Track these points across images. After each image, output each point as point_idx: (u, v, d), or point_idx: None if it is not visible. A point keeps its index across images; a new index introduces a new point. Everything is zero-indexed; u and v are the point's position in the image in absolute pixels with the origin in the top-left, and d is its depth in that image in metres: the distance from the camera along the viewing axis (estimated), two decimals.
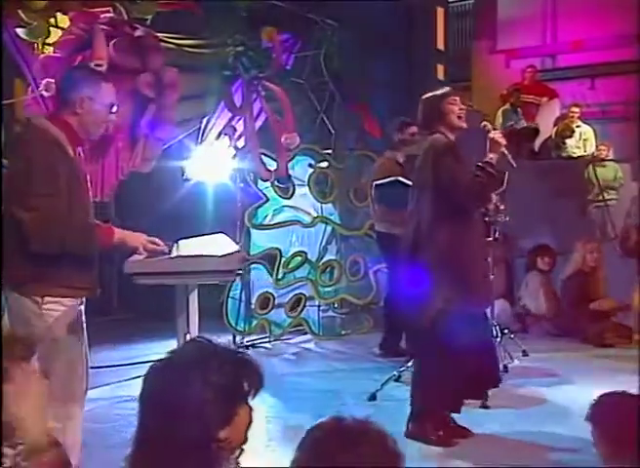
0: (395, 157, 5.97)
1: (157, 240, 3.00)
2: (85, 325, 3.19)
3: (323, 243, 7.10)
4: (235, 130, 6.70)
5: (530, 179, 8.62)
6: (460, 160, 3.88)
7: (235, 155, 6.70)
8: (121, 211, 9.46)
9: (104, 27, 5.73)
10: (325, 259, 7.05)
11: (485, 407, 4.57)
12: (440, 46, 8.13)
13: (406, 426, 4.02)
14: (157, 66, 5.85)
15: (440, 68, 8.14)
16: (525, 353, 5.97)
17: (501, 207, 5.75)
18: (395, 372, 5.02)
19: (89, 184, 3.13)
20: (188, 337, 3.36)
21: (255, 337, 6.68)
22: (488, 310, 4.87)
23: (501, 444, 3.99)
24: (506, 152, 3.93)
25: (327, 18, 7.25)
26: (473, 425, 4.17)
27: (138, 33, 5.86)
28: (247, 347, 6.44)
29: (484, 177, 3.78)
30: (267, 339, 6.68)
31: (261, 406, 4.79)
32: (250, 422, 1.71)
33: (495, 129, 4.02)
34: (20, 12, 4.91)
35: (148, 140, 6.03)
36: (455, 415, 4.14)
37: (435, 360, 3.91)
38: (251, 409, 1.71)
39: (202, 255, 2.86)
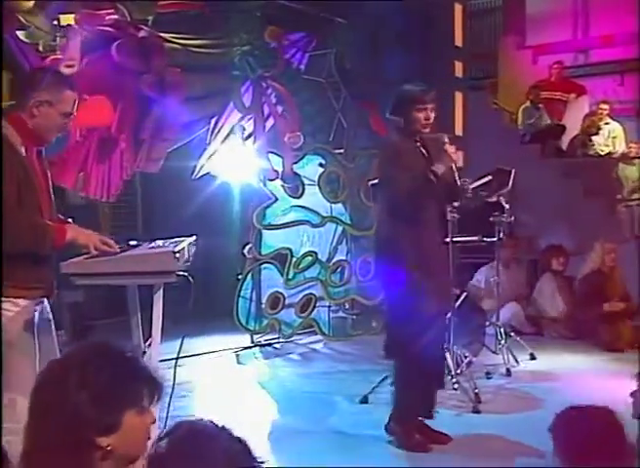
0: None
1: (109, 241, 2.99)
2: (52, 323, 3.23)
3: (333, 243, 7.05)
4: (244, 129, 6.70)
5: (555, 178, 8.44)
6: (404, 163, 3.82)
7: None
8: (147, 210, 9.60)
9: (109, 29, 5.82)
10: (335, 260, 7.00)
11: (476, 411, 4.48)
12: (458, 43, 7.98)
13: (387, 422, 3.98)
14: (161, 67, 5.88)
15: (458, 66, 7.99)
16: (533, 356, 5.82)
17: (507, 206, 5.62)
18: (388, 375, 4.94)
19: (49, 183, 3.12)
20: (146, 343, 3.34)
21: (268, 337, 6.67)
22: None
23: (483, 448, 3.89)
24: (454, 168, 3.89)
25: (339, 16, 7.19)
26: (459, 430, 4.09)
27: (141, 34, 5.92)
28: (256, 346, 6.46)
29: (423, 183, 3.72)
30: (277, 339, 6.67)
31: (254, 406, 4.79)
32: (145, 431, 1.63)
33: (450, 144, 3.94)
34: (19, 15, 4.98)
35: (154, 141, 6.06)
36: (442, 421, 4.07)
37: (400, 363, 3.90)
38: (150, 418, 1.63)
39: (133, 255, 2.82)
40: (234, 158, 6.79)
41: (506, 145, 8.90)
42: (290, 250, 6.81)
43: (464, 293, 5.55)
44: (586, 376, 5.28)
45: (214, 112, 6.71)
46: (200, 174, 6.85)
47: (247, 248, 6.82)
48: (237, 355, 6.16)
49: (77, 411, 1.56)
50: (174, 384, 3.01)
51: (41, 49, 5.27)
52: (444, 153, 3.85)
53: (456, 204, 5.03)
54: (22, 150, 2.89)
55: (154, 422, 1.65)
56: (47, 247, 2.89)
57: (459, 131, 8.11)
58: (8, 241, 2.78)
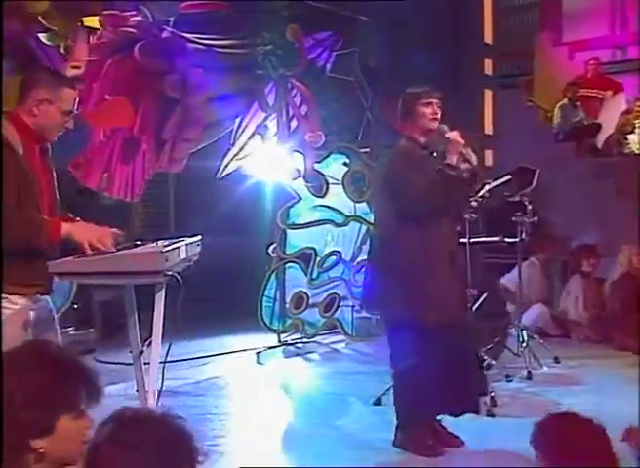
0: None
1: (106, 239, 2.99)
2: (55, 320, 3.26)
3: (358, 243, 7.01)
4: (268, 129, 6.70)
5: (588, 177, 8.26)
6: (414, 168, 3.72)
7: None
8: (179, 209, 9.69)
9: (133, 30, 5.88)
10: (359, 259, 6.95)
11: (491, 415, 4.40)
12: (488, 40, 7.87)
13: (394, 435, 3.91)
14: (183, 68, 5.92)
15: (488, 63, 7.88)
16: (557, 360, 5.70)
17: (529, 206, 5.51)
18: None
19: (52, 180, 3.15)
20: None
21: (293, 337, 6.67)
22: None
23: (493, 455, 3.81)
24: (465, 151, 3.76)
25: (364, 15, 7.15)
26: (471, 433, 4.01)
27: (164, 35, 5.97)
28: (283, 346, 6.47)
29: (442, 182, 3.63)
30: (300, 339, 6.67)
31: (268, 405, 4.78)
32: (80, 435, 1.62)
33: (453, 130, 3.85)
34: (40, 18, 5.07)
35: (177, 141, 6.11)
36: (456, 423, 4.00)
37: (404, 369, 3.80)
38: (86, 422, 1.62)
39: (119, 255, 2.82)
40: (262, 157, 6.81)
41: (540, 144, 8.76)
42: (314, 249, 6.80)
43: (484, 295, 5.45)
44: (610, 382, 5.13)
45: (238, 112, 6.73)
46: (224, 173, 6.88)
47: (271, 247, 6.83)
48: (258, 354, 6.15)
49: (12, 413, 1.55)
50: (162, 386, 2.99)
51: (62, 51, 5.37)
52: (449, 142, 3.75)
53: (474, 203, 4.97)
54: (20, 149, 2.92)
55: (90, 426, 1.62)
56: (42, 242, 2.90)
57: (488, 129, 8.01)
58: (3, 237, 2.80)
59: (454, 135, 3.79)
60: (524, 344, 5.44)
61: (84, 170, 5.95)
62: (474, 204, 5.00)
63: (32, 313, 3.01)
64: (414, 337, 3.70)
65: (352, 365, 5.90)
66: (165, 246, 2.78)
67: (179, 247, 2.97)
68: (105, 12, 5.66)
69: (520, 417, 4.36)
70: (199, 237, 3.58)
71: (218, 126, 6.69)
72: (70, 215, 3.43)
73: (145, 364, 5.41)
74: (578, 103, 9.10)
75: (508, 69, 9.90)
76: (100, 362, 6.37)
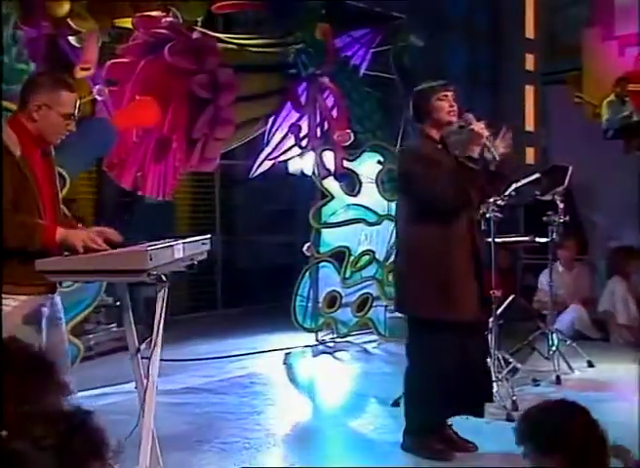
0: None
1: (98, 239, 3.02)
2: (62, 318, 3.32)
3: (391, 242, 6.93)
4: (300, 128, 6.69)
5: (634, 176, 7.98)
6: (431, 163, 3.63)
7: (302, 154, 6.74)
8: (225, 209, 9.79)
9: (163, 31, 5.94)
10: (392, 259, 6.87)
11: (510, 419, 4.29)
12: (529, 35, 7.68)
13: (402, 438, 3.85)
14: (212, 67, 5.95)
15: (529, 58, 7.69)
16: (590, 364, 5.53)
17: (561, 206, 5.36)
18: None
19: (54, 183, 3.20)
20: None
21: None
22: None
23: (505, 458, 3.71)
24: (488, 144, 3.63)
25: (399, 11, 7.08)
26: (486, 438, 3.93)
27: (195, 35, 6.01)
28: (321, 345, 6.47)
29: (461, 175, 3.54)
30: (332, 338, 6.65)
31: (286, 405, 4.77)
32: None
33: (479, 120, 3.74)
34: (69, 21, 5.16)
35: (208, 141, 6.14)
36: (475, 427, 3.93)
37: (419, 371, 3.74)
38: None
39: (104, 254, 2.84)
40: (295, 156, 6.82)
41: (589, 141, 8.52)
42: (348, 248, 6.77)
43: (512, 296, 5.33)
44: None
45: (271, 111, 6.75)
46: (257, 172, 6.91)
47: (305, 246, 6.82)
48: (288, 353, 6.15)
49: None
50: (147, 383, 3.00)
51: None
52: (472, 133, 3.63)
53: (500, 202, 4.86)
54: (18, 151, 2.97)
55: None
56: (36, 245, 2.94)
57: (529, 126, 7.81)
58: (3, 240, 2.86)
59: (478, 126, 3.66)
60: (553, 347, 5.29)
61: (118, 170, 6.05)
62: (500, 202, 4.91)
63: (45, 309, 3.06)
64: (430, 338, 3.65)
65: (379, 365, 5.85)
66: (151, 245, 2.79)
67: (171, 246, 2.97)
68: (137, 14, 5.76)
69: None
70: (206, 236, 3.60)
71: (251, 125, 6.73)
72: (75, 222, 3.50)
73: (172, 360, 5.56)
74: (627, 98, 8.80)
75: (557, 65, 9.66)
76: (144, 358, 6.49)
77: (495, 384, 4.64)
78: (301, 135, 6.69)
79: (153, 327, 3.33)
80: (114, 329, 7.02)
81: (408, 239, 3.76)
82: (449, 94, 3.76)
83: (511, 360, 4.94)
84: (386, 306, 6.84)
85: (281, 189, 9.41)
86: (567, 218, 5.34)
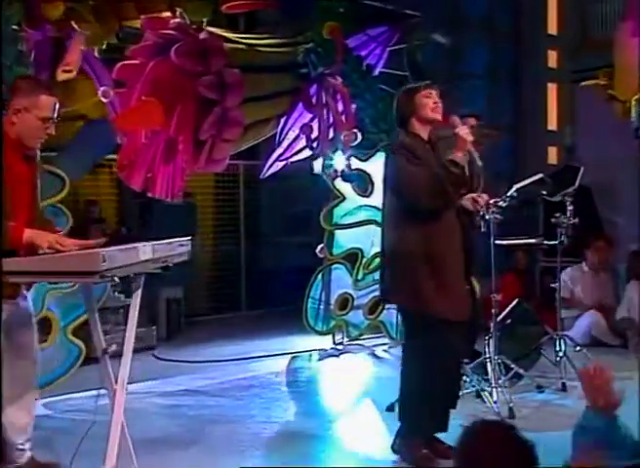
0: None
1: (64, 240, 3.02)
2: (32, 320, 3.35)
3: None
4: (312, 129, 6.64)
5: None
6: (418, 160, 3.55)
7: (313, 155, 6.68)
8: (250, 211, 9.81)
9: (171, 32, 5.94)
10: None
11: None
12: (552, 31, 7.48)
13: (394, 439, 3.78)
14: (219, 68, 5.93)
15: (552, 55, 7.48)
16: None
17: (569, 207, 5.20)
18: None
19: (33, 186, 3.22)
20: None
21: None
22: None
23: None
24: (473, 150, 3.54)
25: (415, 9, 6.97)
26: None
27: (202, 36, 6.00)
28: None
29: (445, 177, 3.45)
30: (341, 341, 6.59)
31: (279, 407, 4.72)
32: None
33: (464, 124, 3.63)
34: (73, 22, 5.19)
35: (216, 142, 6.12)
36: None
37: (409, 374, 3.66)
38: None
39: (58, 255, 2.82)
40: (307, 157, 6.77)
41: (618, 140, 8.27)
42: (360, 250, 6.71)
43: (516, 300, 5.19)
44: None
45: (283, 112, 6.70)
46: (268, 173, 6.88)
47: (319, 248, 6.77)
48: (294, 357, 6.12)
49: None
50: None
51: (96, 54, 5.49)
52: (456, 137, 3.57)
53: (502, 203, 4.74)
54: None
55: None
56: (4, 247, 2.94)
57: (552, 125, 7.61)
58: None
59: (463, 130, 3.58)
60: (560, 353, 5.13)
61: (128, 171, 6.07)
62: (502, 204, 4.78)
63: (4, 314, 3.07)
64: (419, 333, 3.58)
65: (383, 368, 5.77)
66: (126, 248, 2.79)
67: (135, 248, 2.95)
68: (144, 15, 5.76)
69: (533, 430, 4.11)
70: (186, 238, 3.58)
71: (263, 126, 6.70)
72: (55, 227, 3.52)
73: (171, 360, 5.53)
74: None
75: (588, 62, 9.40)
76: (159, 359, 6.55)
77: (494, 390, 4.55)
78: (313, 135, 6.64)
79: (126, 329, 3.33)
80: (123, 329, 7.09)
81: (392, 235, 3.68)
82: (433, 92, 3.68)
83: (513, 365, 4.80)
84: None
85: (306, 190, 9.38)
86: (576, 220, 5.17)
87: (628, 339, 6.22)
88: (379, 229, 6.66)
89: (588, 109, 8.54)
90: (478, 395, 4.69)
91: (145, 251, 3.03)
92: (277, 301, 8.93)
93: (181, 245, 3.51)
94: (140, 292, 3.37)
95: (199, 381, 5.45)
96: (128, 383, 5.23)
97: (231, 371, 5.77)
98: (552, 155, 7.83)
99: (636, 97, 8.73)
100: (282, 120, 6.72)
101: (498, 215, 4.65)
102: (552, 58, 7.53)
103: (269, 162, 6.86)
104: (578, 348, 5.40)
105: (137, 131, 5.94)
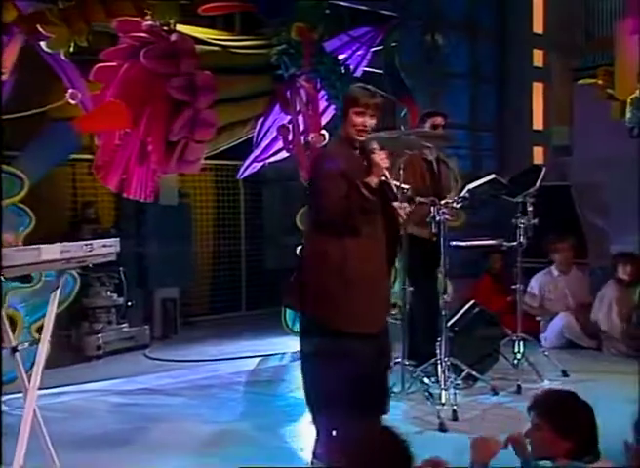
0: (422, 152, 5.47)
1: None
2: None
3: None
4: (289, 130, 6.65)
5: None
6: (336, 170, 3.50)
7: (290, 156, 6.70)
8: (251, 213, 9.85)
9: (144, 35, 6.01)
10: None
11: (443, 430, 4.14)
12: (537, 29, 7.37)
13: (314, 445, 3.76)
14: (190, 70, 5.97)
15: (538, 54, 7.37)
16: (565, 374, 5.27)
17: (529, 208, 5.13)
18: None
19: None
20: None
21: None
22: None
23: None
24: (388, 176, 3.51)
25: (392, 10, 6.95)
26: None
27: (173, 38, 6.05)
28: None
29: (357, 200, 3.42)
30: None
31: (229, 406, 4.74)
32: None
33: (382, 149, 3.55)
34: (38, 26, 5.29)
35: (188, 143, 6.17)
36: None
37: (312, 379, 3.64)
38: None
39: None
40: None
41: (615, 140, 8.13)
42: None
43: (471, 302, 5.14)
44: (609, 400, 4.66)
45: (259, 113, 6.72)
46: (245, 174, 6.91)
47: (298, 249, 6.77)
48: (263, 358, 6.15)
49: None
50: None
51: (63, 57, 5.59)
52: (372, 163, 3.49)
53: (455, 204, 4.71)
54: None
55: None
56: None
57: (537, 125, 7.50)
58: None
59: (379, 156, 3.50)
60: (518, 355, 5.08)
61: (104, 172, 6.14)
62: (456, 205, 4.75)
63: None
64: (320, 343, 3.55)
65: None
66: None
67: (38, 248, 3.00)
68: (113, 18, 5.83)
69: (473, 433, 4.06)
70: (111, 239, 3.63)
71: (240, 127, 6.73)
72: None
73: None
74: None
75: (588, 60, 9.26)
76: (150, 358, 6.64)
77: (443, 392, 4.52)
78: (290, 137, 6.64)
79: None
80: (125, 328, 7.19)
81: (306, 241, 3.69)
82: (368, 111, 3.58)
83: (464, 367, 4.76)
84: None
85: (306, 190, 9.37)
86: (536, 221, 5.10)
87: (602, 341, 6.11)
88: None
89: (587, 108, 8.41)
90: (429, 397, 4.67)
91: (50, 250, 3.08)
92: (277, 301, 8.95)
93: (105, 245, 3.56)
94: (58, 291, 3.42)
95: (163, 380, 5.50)
96: (90, 382, 5.37)
97: (198, 371, 5.81)
98: (538, 155, 7.72)
99: (632, 96, 8.60)
100: (259, 121, 6.76)
101: (447, 217, 4.62)
102: (538, 58, 7.43)
103: (246, 163, 6.90)
104: (541, 350, 5.33)
105: (112, 132, 6.02)
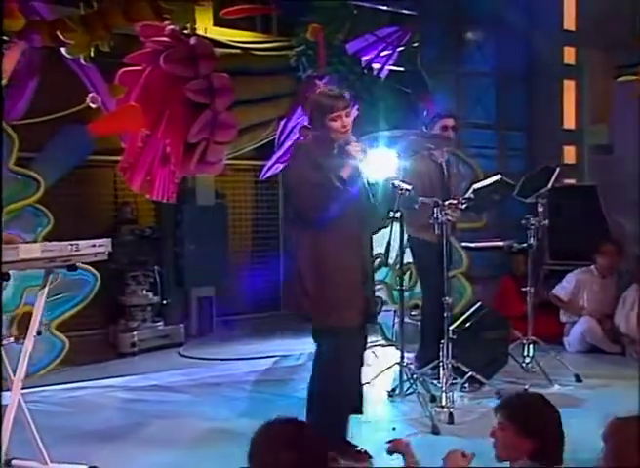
0: (431, 154, 5.43)
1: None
2: None
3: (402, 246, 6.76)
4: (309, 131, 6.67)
5: None
6: (313, 165, 3.52)
7: None
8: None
9: (166, 39, 6.12)
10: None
11: (435, 432, 4.11)
12: (569, 26, 7.19)
13: None
14: (208, 72, 6.06)
15: (569, 51, 7.19)
16: (578, 378, 5.14)
17: (540, 209, 5.03)
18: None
19: None
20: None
21: None
22: None
23: None
24: (360, 167, 3.49)
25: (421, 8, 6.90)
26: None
27: (192, 42, 6.15)
28: None
29: (327, 189, 3.43)
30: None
31: (226, 406, 4.78)
32: None
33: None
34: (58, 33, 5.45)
35: (208, 145, 6.26)
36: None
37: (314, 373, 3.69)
38: None
39: None
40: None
41: None
42: None
43: (478, 303, 5.06)
44: (629, 407, 4.53)
45: (282, 114, 6.77)
46: (267, 175, 6.96)
47: None
48: (280, 358, 6.19)
49: None
50: None
51: (82, 62, 5.74)
52: (347, 154, 3.53)
53: (461, 205, 4.66)
54: None
55: None
56: None
57: (569, 123, 7.31)
58: None
59: (353, 148, 3.52)
60: (527, 359, 4.98)
61: (129, 173, 6.29)
62: (462, 206, 4.70)
63: None
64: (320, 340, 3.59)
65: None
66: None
67: (15, 247, 3.10)
68: (140, 23, 5.96)
69: (466, 437, 4.03)
70: (103, 239, 3.71)
71: (263, 128, 6.80)
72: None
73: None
74: None
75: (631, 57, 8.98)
76: (183, 356, 6.77)
77: (443, 395, 4.48)
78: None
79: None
80: (160, 326, 7.35)
81: (291, 239, 3.72)
82: (342, 112, 3.57)
83: (467, 370, 4.70)
84: (395, 311, 6.70)
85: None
86: (546, 222, 5.00)
87: (625, 346, 5.94)
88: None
89: (624, 106, 8.17)
90: (432, 399, 4.63)
91: (29, 249, 3.18)
92: None
93: (95, 245, 3.64)
94: (46, 289, 3.54)
95: (175, 377, 5.59)
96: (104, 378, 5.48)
97: (214, 369, 5.89)
98: (569, 155, 7.53)
99: None
100: (282, 122, 6.81)
101: (449, 218, 4.57)
102: (569, 55, 7.24)
103: (269, 163, 6.95)
104: (552, 354, 5.22)
105: (135, 135, 6.16)
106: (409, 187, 4.50)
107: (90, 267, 5.47)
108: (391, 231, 6.66)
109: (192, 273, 8.25)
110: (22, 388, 4.94)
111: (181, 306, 8.24)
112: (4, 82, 4.47)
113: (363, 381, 4.04)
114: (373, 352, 6.38)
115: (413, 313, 6.81)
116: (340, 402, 3.67)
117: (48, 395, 5.03)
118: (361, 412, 3.88)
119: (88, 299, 5.80)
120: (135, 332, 6.95)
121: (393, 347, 6.46)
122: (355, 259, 3.61)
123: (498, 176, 4.67)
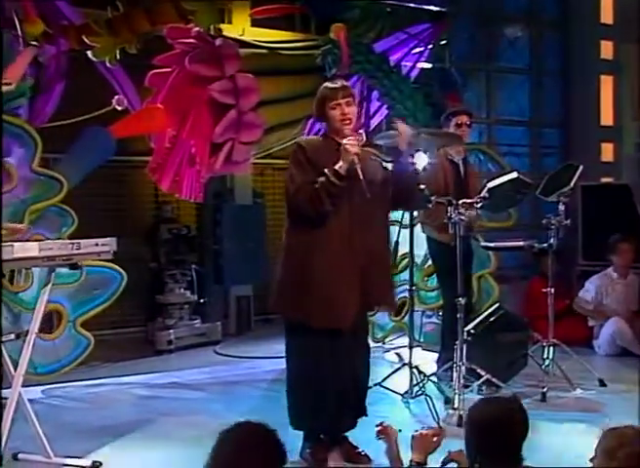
0: (447, 153, 5.33)
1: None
2: None
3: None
4: None
5: None
6: (307, 162, 3.50)
7: None
8: None
9: (193, 41, 6.18)
10: (429, 263, 6.62)
11: None
12: (606, 20, 6.97)
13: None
14: (233, 73, 6.10)
15: (607, 46, 6.97)
16: (602, 383, 4.98)
17: (561, 207, 4.89)
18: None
19: None
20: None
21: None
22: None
23: None
24: (356, 161, 3.43)
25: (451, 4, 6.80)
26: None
27: (217, 43, 6.19)
28: None
29: (323, 186, 3.38)
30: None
31: (240, 404, 4.80)
32: None
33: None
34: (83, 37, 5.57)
35: (234, 145, 6.30)
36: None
37: (292, 375, 3.67)
38: None
39: None
40: None
41: None
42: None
43: (496, 305, 4.95)
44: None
45: (310, 113, 6.74)
46: None
47: None
48: None
49: None
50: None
51: (108, 65, 5.85)
52: (342, 148, 3.47)
53: (477, 204, 4.58)
54: None
55: None
56: None
57: (607, 120, 7.08)
58: None
59: (349, 142, 3.47)
60: (547, 361, 4.85)
61: (158, 174, 6.38)
62: (477, 205, 4.61)
63: None
64: (297, 341, 3.57)
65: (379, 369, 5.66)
66: None
67: (11, 245, 3.17)
68: (167, 25, 6.04)
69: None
70: (106, 239, 3.76)
71: (292, 127, 6.80)
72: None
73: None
74: None
75: None
76: (219, 354, 6.84)
77: (457, 397, 4.40)
78: None
79: None
80: (197, 324, 7.44)
81: (284, 237, 3.69)
82: (341, 101, 3.57)
83: (483, 373, 4.60)
84: (423, 311, 6.62)
85: None
86: (568, 222, 4.85)
87: None
88: (403, 229, 6.63)
89: None
90: (447, 401, 4.57)
91: (26, 248, 3.24)
92: None
93: (98, 244, 3.70)
94: (49, 287, 3.61)
95: (198, 375, 5.65)
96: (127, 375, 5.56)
97: (237, 367, 5.92)
98: (607, 152, 7.29)
99: None
100: (309, 122, 6.80)
101: (462, 217, 4.49)
102: (607, 49, 7.02)
103: None
104: (574, 357, 5.07)
105: (163, 135, 6.25)
106: (422, 187, 4.44)
107: (116, 266, 5.55)
108: (399, 232, 6.64)
109: (231, 272, 8.31)
110: (48, 384, 5.16)
111: (220, 305, 8.32)
112: (10, 87, 4.56)
113: (371, 383, 4.01)
114: (397, 354, 6.36)
115: (441, 313, 6.73)
116: (303, 410, 3.62)
117: (70, 391, 5.14)
118: (365, 414, 3.82)
119: (113, 298, 5.89)
120: (171, 330, 7.05)
121: (419, 348, 6.40)
122: (336, 257, 3.49)
123: (514, 174, 4.55)
